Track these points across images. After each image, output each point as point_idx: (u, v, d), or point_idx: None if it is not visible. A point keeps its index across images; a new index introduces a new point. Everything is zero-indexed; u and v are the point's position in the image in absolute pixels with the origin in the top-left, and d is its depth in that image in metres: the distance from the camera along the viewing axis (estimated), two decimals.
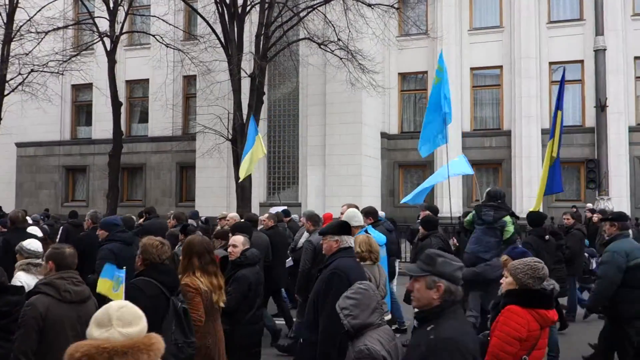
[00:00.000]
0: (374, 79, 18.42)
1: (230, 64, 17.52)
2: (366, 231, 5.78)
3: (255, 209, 19.55)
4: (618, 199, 19.64)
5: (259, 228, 8.45)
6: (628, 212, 19.17)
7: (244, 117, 17.64)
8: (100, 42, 19.76)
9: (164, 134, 23.59)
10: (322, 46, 18.14)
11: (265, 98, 18.89)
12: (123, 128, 21.16)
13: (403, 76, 23.67)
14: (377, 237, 6.00)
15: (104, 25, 19.80)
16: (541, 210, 8.73)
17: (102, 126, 24.12)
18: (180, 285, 4.24)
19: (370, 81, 18.05)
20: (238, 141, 17.43)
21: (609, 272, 5.50)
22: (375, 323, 2.99)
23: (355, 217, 5.96)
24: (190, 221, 9.42)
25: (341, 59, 17.99)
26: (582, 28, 21.32)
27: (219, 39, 18.17)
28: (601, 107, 16.30)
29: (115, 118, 19.91)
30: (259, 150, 14.12)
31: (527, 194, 21.02)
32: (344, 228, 4.44)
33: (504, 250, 5.65)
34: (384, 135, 22.98)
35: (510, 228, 6.44)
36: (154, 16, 21.20)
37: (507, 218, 6.47)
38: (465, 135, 22.26)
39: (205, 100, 20.16)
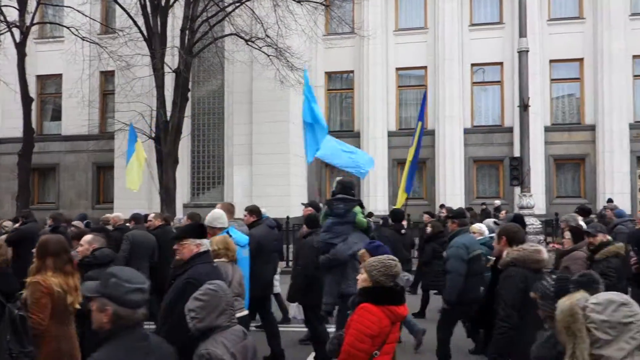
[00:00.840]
0: (303, 77, 18.36)
1: (154, 58, 17.02)
2: (228, 233, 5.77)
3: (179, 210, 19.12)
4: (535, 196, 20.45)
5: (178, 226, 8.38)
6: (543, 208, 20.62)
7: (168, 114, 17.14)
8: (9, 32, 18.56)
9: (80, 132, 22.64)
10: (249, 43, 18.02)
11: (189, 95, 18.44)
12: (34, 126, 19.98)
13: (329, 75, 23.87)
14: (239, 238, 5.98)
15: (12, 14, 18.62)
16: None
17: (10, 124, 22.79)
18: (20, 290, 4.04)
19: (298, 79, 18.02)
20: (162, 140, 16.94)
21: (455, 265, 6.15)
22: (223, 325, 2.98)
23: (219, 219, 5.91)
24: (76, 223, 9.16)
25: (269, 56, 17.88)
26: (502, 31, 22.49)
27: (141, 32, 17.60)
28: (524, 106, 16.96)
29: (25, 115, 18.82)
30: (141, 156, 14.20)
31: (450, 191, 21.99)
32: (202, 231, 4.36)
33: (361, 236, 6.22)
34: None
35: (361, 218, 6.56)
36: (69, 7, 20.25)
37: (357, 208, 6.60)
38: (390, 134, 22.80)
39: (126, 97, 19.46)
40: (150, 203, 19.91)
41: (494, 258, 4.71)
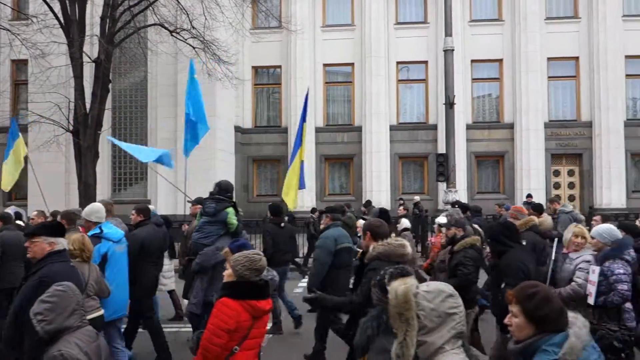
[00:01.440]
0: (230, 70, 18.16)
1: (71, 47, 16.25)
2: (100, 228, 5.86)
3: None
4: (459, 192, 21.39)
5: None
6: (465, 200, 21.09)
7: (87, 106, 16.44)
8: None
9: None
10: (174, 34, 17.57)
11: (110, 87, 17.75)
12: None
13: (257, 69, 23.77)
14: (112, 233, 5.95)
15: None
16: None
17: None
18: None
19: (225, 72, 17.79)
20: (81, 133, 16.24)
21: (322, 255, 6.49)
22: (74, 326, 2.94)
23: (96, 212, 5.95)
24: None
25: (195, 48, 17.49)
26: (426, 31, 23.22)
27: (57, 19, 16.74)
28: (450, 104, 17.53)
29: None
30: (20, 154, 13.77)
31: (376, 187, 22.45)
32: (57, 229, 4.28)
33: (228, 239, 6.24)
34: (237, 129, 22.88)
35: (233, 219, 6.68)
36: None
37: (229, 209, 6.71)
38: (318, 130, 23.00)
39: (40, 87, 18.49)
40: (68, 199, 19.08)
41: (361, 251, 4.90)
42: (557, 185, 23.11)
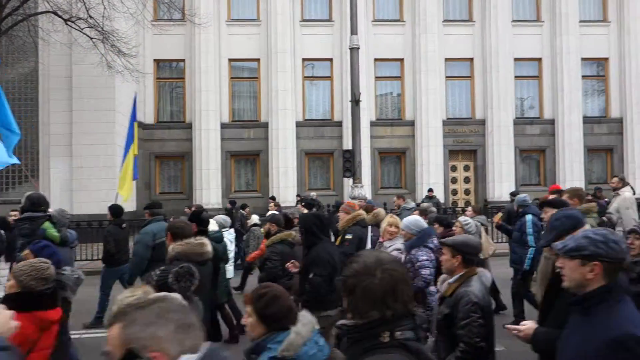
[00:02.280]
0: (130, 62, 17.51)
1: None
2: None
3: None
4: (364, 187, 21.92)
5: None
6: (369, 197, 21.60)
7: None
8: None
9: None
10: (68, 22, 16.70)
11: None
12: None
13: (158, 63, 23.20)
14: None
15: None
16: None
17: None
18: None
19: (126, 65, 17.13)
20: None
21: (139, 250, 6.75)
22: None
23: None
24: None
25: (92, 39, 16.72)
26: (331, 28, 23.67)
27: None
28: (356, 101, 17.87)
29: None
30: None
31: (283, 184, 22.61)
32: None
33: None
34: (139, 124, 22.02)
35: (53, 233, 6.49)
36: None
37: (46, 224, 6.55)
38: (223, 126, 22.87)
39: None
40: None
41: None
42: (454, 180, 24.20)
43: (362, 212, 7.17)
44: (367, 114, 22.84)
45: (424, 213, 8.61)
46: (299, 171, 23.22)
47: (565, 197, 5.91)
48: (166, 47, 22.71)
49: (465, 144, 24.00)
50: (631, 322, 2.26)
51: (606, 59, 24.50)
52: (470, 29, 24.07)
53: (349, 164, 16.59)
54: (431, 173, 23.15)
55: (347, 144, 21.09)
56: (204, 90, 22.46)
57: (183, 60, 23.07)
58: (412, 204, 11.45)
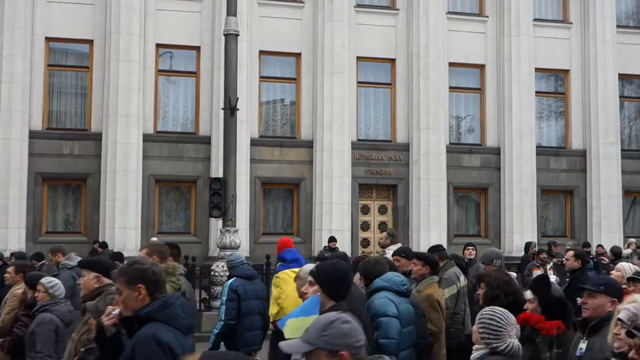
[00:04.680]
0: None
1: None
2: None
3: None
4: (240, 232, 20.47)
5: None
6: (246, 246, 20.49)
7: None
8: None
9: None
10: None
11: None
12: None
13: None
14: None
15: None
16: None
17: None
18: None
19: None
20: None
21: None
22: None
23: None
24: None
25: None
26: (199, 5, 22.31)
27: None
28: (231, 110, 16.54)
29: None
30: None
31: (120, 223, 21.07)
32: None
33: None
34: None
35: None
36: None
37: None
38: (33, 135, 21.09)
39: None
40: None
41: None
42: (365, 226, 23.68)
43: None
44: (248, 128, 21.69)
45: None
46: (146, 205, 21.56)
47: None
48: None
49: (382, 176, 23.32)
50: None
51: (567, 72, 24.93)
52: (392, 19, 23.60)
53: (218, 198, 16.40)
54: (334, 215, 22.13)
55: (217, 170, 20.04)
56: None
57: None
58: (75, 260, 9.56)
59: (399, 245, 9.59)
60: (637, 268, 7.69)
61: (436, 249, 9.21)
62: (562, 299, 5.58)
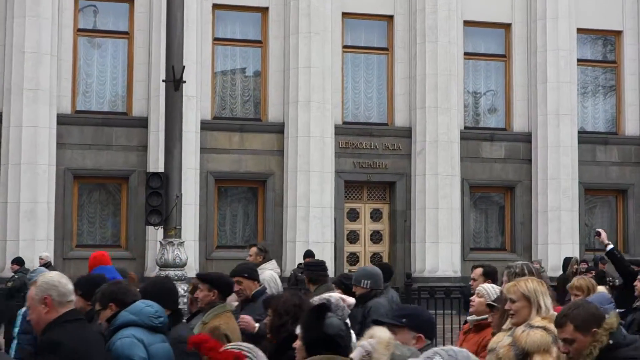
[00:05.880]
0: None
1: None
2: None
3: None
4: (187, 244, 19.32)
5: None
6: (194, 263, 19.91)
7: None
8: None
9: None
10: None
11: None
12: None
13: None
14: None
15: None
16: None
17: None
18: None
19: None
20: None
21: None
22: None
23: None
24: None
25: None
26: None
27: None
28: (175, 83, 15.31)
29: None
30: None
31: (28, 234, 20.52)
32: None
33: None
34: None
35: None
36: None
37: None
38: None
39: None
40: None
41: None
42: (353, 237, 22.99)
43: None
44: (197, 107, 20.96)
45: None
46: (60, 210, 20.89)
47: None
48: None
49: (376, 171, 22.63)
50: None
51: (619, 33, 24.09)
52: None
53: (158, 199, 15.43)
54: (312, 222, 21.39)
55: (157, 163, 19.76)
56: None
57: None
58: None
59: (273, 262, 9.73)
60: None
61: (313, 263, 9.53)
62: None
